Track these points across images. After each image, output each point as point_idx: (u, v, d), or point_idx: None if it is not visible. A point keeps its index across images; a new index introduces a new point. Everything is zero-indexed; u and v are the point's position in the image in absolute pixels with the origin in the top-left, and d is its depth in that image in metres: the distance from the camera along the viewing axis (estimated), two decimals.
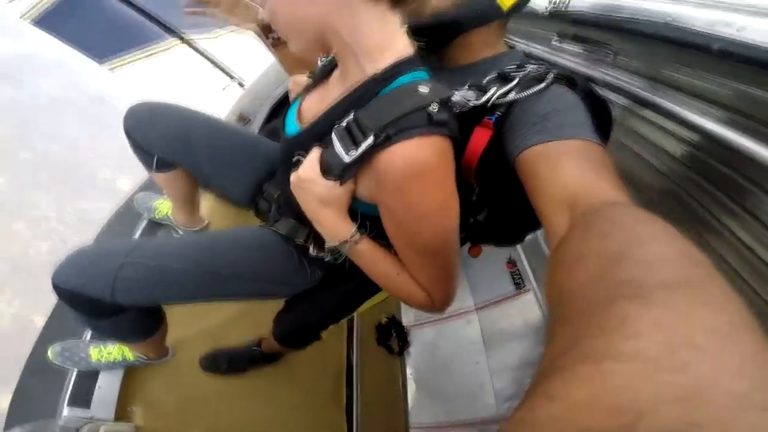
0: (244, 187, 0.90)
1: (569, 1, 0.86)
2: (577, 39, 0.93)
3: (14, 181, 1.68)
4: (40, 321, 1.07)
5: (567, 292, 0.28)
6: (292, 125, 0.70)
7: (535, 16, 0.98)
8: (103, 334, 0.84)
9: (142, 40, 2.86)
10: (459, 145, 0.57)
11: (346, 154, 0.54)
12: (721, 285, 0.23)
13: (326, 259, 0.73)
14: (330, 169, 0.56)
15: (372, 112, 0.53)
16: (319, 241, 0.73)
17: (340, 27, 0.54)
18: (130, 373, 1.10)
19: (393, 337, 1.66)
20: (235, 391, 1.27)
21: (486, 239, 0.89)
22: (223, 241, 0.80)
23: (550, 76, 0.57)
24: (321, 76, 0.71)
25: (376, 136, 0.51)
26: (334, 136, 0.56)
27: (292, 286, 0.83)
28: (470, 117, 0.58)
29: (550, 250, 0.40)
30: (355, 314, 1.62)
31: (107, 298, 0.70)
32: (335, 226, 0.62)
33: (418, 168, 0.51)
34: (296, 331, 0.97)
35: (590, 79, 0.88)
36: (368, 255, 0.64)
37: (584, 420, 0.16)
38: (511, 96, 0.56)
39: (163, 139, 0.93)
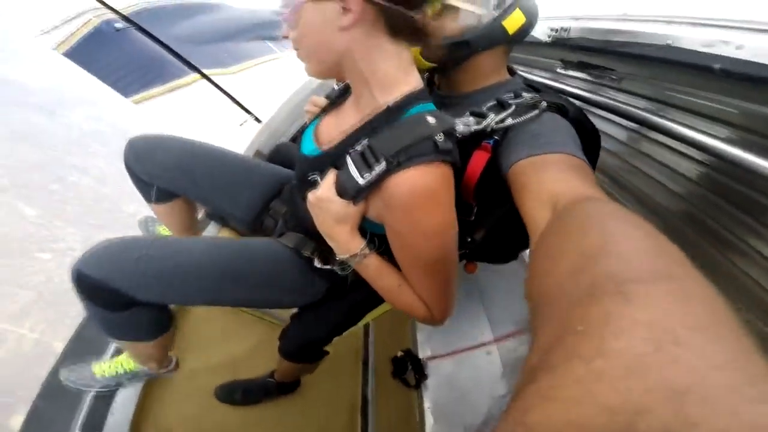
0: (248, 209, 0.94)
1: (570, 29, 0.88)
2: (581, 66, 0.96)
3: (44, 212, 1.77)
4: (60, 347, 1.10)
5: (548, 287, 0.29)
6: (310, 145, 0.75)
7: (537, 44, 1.01)
8: (114, 330, 0.83)
9: (164, 74, 3.06)
10: (459, 169, 0.63)
11: (361, 177, 0.59)
12: (697, 278, 0.24)
13: (334, 268, 0.77)
14: (345, 190, 0.62)
15: (384, 139, 0.58)
16: (323, 254, 0.79)
17: (360, 59, 0.60)
18: (144, 401, 1.10)
19: (409, 369, 1.62)
20: (249, 422, 1.25)
21: (481, 257, 0.95)
22: (237, 247, 0.83)
23: (543, 104, 0.64)
24: (336, 100, 0.78)
25: (388, 162, 0.56)
26: (349, 160, 0.61)
27: (299, 295, 0.87)
28: (470, 140, 0.64)
29: (532, 245, 0.41)
30: (371, 348, 1.61)
31: (126, 290, 0.72)
32: (347, 242, 0.67)
33: (423, 192, 0.57)
34: (302, 344, 0.99)
35: (594, 104, 0.90)
36: (374, 268, 0.69)
37: (581, 420, 0.16)
38: (508, 122, 0.63)
39: (164, 169, 0.95)
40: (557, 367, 0.19)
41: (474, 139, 0.65)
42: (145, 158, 0.96)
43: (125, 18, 3.16)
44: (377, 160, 0.57)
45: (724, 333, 0.19)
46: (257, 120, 2.84)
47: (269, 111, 2.20)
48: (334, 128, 0.72)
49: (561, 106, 0.67)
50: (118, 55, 3.02)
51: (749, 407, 0.14)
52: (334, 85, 0.81)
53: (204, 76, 3.06)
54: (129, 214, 1.70)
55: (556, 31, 0.92)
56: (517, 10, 0.68)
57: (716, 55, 0.60)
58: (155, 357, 1.05)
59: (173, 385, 1.19)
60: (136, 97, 2.80)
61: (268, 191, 0.94)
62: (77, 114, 2.48)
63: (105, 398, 1.04)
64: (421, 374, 1.61)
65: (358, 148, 0.61)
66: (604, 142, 1.06)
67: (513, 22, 0.68)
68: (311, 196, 0.66)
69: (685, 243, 0.82)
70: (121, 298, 0.73)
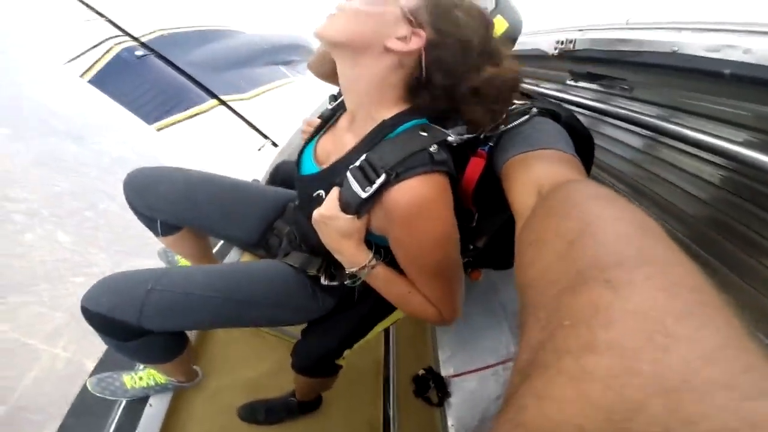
0: (252, 231, 0.97)
1: (576, 41, 0.89)
2: (590, 77, 0.96)
3: (78, 239, 1.86)
4: (91, 365, 1.14)
5: (533, 276, 0.28)
6: (310, 164, 0.78)
7: (545, 58, 1.02)
8: (132, 356, 0.88)
9: (184, 101, 3.15)
10: (456, 177, 0.65)
11: (363, 190, 0.62)
12: (681, 260, 0.23)
13: (346, 282, 0.77)
14: (348, 205, 0.64)
15: (382, 154, 0.62)
16: (329, 271, 0.82)
17: (373, 80, 0.64)
18: (169, 420, 1.12)
19: (431, 388, 1.59)
20: None
21: (485, 264, 0.96)
22: (243, 271, 0.86)
23: (534, 110, 0.67)
24: (329, 119, 0.82)
25: (387, 174, 0.60)
26: (349, 176, 0.64)
27: (306, 312, 0.89)
28: (466, 147, 0.68)
29: (517, 231, 0.41)
30: (392, 367, 1.60)
31: (134, 322, 0.75)
32: (355, 256, 0.69)
33: (421, 202, 0.60)
34: (313, 358, 0.99)
35: (607, 114, 0.90)
36: (383, 278, 0.71)
37: (577, 420, 0.16)
38: (501, 128, 0.65)
39: (166, 201, 0.97)
40: (550, 366, 0.19)
41: (470, 146, 0.68)
42: (145, 193, 0.97)
43: (144, 45, 3.31)
44: (377, 174, 0.60)
45: (712, 318, 0.18)
46: (274, 144, 2.91)
47: (285, 135, 2.27)
48: (332, 146, 0.76)
49: (552, 111, 0.69)
50: (140, 83, 3.12)
51: (745, 403, 0.14)
52: (328, 105, 0.84)
53: (222, 102, 3.18)
54: (156, 241, 1.78)
55: (562, 43, 0.93)
56: (498, 16, 0.71)
57: (724, 60, 0.59)
58: (180, 373, 1.09)
59: (197, 404, 1.22)
60: (159, 124, 2.86)
61: (270, 212, 0.97)
62: (105, 140, 2.59)
63: (131, 416, 1.07)
64: (444, 392, 1.58)
65: (358, 163, 0.63)
66: (622, 151, 1.06)
67: (495, 29, 0.70)
68: (316, 213, 0.69)
69: (713, 248, 0.80)
70: (132, 329, 0.76)
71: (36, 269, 1.65)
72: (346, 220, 0.65)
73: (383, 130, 0.65)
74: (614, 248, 0.24)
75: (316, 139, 0.82)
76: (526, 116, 0.66)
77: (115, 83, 3.00)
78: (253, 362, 1.40)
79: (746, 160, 0.60)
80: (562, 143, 0.59)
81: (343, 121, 0.77)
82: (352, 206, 0.64)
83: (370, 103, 0.66)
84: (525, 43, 1.14)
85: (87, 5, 3.50)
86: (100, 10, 3.49)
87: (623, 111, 0.86)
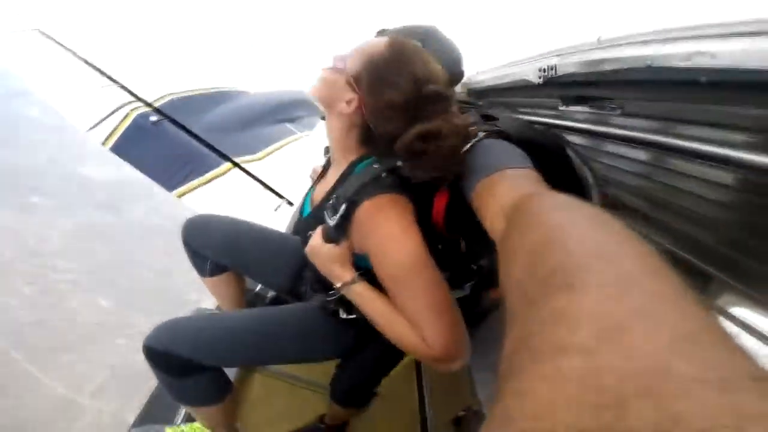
0: (285, 278, 1.10)
1: (556, 66, 0.91)
2: (579, 101, 0.95)
3: (117, 303, 2.00)
4: (132, 418, 1.23)
5: (508, 289, 0.30)
6: (307, 207, 0.92)
7: (532, 87, 1.05)
8: (181, 395, 0.96)
9: (202, 166, 3.19)
10: (425, 201, 0.77)
11: (331, 220, 0.78)
12: (633, 249, 0.24)
13: (352, 316, 0.88)
14: (328, 235, 0.79)
15: (346, 188, 0.77)
16: (346, 305, 0.89)
17: (341, 128, 0.81)
18: None
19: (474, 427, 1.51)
20: None
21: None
22: (276, 313, 1.00)
23: (480, 134, 0.74)
24: (326, 166, 0.96)
25: (347, 202, 0.75)
26: (325, 212, 0.80)
27: (333, 345, 0.98)
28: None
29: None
30: (428, 411, 1.54)
31: (188, 355, 0.86)
32: (340, 275, 0.80)
33: (377, 213, 0.73)
34: (352, 389, 1.10)
35: (602, 134, 0.91)
36: (366, 295, 0.79)
37: (567, 417, 0.15)
38: None
39: (216, 244, 1.13)
40: (525, 369, 0.19)
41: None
42: (199, 233, 1.14)
43: (157, 110, 3.40)
44: (341, 204, 0.75)
45: (668, 310, 0.19)
46: (289, 203, 3.00)
47: (300, 192, 2.35)
48: (321, 190, 0.89)
49: (500, 131, 0.75)
50: (157, 149, 3.16)
51: (727, 396, 0.14)
52: (324, 155, 1.00)
53: (236, 165, 3.29)
54: (193, 301, 1.88)
55: (544, 71, 0.95)
56: None
57: (697, 68, 0.60)
58: (222, 423, 1.13)
59: None
60: (178, 191, 2.92)
61: (299, 260, 1.06)
62: (138, 208, 2.74)
63: None
64: None
65: (330, 201, 0.79)
66: (630, 167, 1.04)
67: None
68: (307, 248, 0.83)
69: (739, 249, 0.77)
70: (184, 363, 0.87)
71: (80, 331, 1.81)
72: (329, 248, 0.79)
73: (350, 169, 0.81)
74: (577, 252, 0.25)
75: (314, 185, 0.96)
76: (475, 139, 0.72)
77: (135, 150, 3.08)
78: (289, 417, 1.41)
79: (744, 161, 0.61)
80: (516, 160, 0.64)
81: (332, 166, 0.91)
82: (330, 235, 0.78)
83: (342, 149, 0.83)
84: (512, 74, 1.19)
85: (100, 71, 3.67)
86: (113, 76, 3.64)
87: (618, 131, 0.86)
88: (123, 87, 3.56)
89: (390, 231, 0.72)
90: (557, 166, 0.66)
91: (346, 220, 0.76)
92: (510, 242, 0.36)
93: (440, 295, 0.70)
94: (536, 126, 0.81)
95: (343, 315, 0.91)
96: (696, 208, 0.86)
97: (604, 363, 0.16)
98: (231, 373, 1.46)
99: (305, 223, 0.91)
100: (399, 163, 0.75)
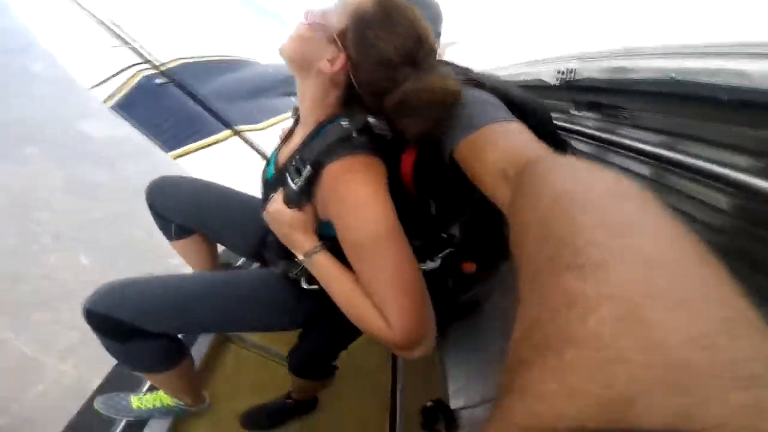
0: (250, 242, 1.05)
1: (575, 70, 0.90)
2: (592, 106, 0.96)
3: (98, 261, 1.93)
4: (94, 384, 1.19)
5: (520, 265, 0.27)
6: (271, 170, 0.86)
7: (548, 88, 1.04)
8: (124, 359, 0.91)
9: (202, 130, 3.20)
10: (386, 156, 0.71)
11: (294, 184, 0.72)
12: (658, 221, 0.22)
13: (314, 287, 0.82)
14: (289, 199, 0.73)
15: (311, 149, 0.71)
16: (308, 274, 0.84)
17: (317, 89, 0.73)
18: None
19: (440, 420, 1.53)
20: None
21: (472, 256, 0.92)
22: (233, 276, 0.93)
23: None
24: (293, 127, 0.90)
25: (312, 165, 0.69)
26: (287, 174, 0.74)
27: (292, 315, 0.92)
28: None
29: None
30: (398, 398, 1.55)
31: (129, 320, 0.80)
32: (302, 244, 0.74)
33: (343, 175, 0.67)
34: (308, 360, 1.06)
35: (610, 143, 0.89)
36: (327, 267, 0.73)
37: (570, 414, 0.14)
38: None
39: (180, 203, 1.09)
40: (531, 362, 0.18)
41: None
42: (163, 196, 1.10)
43: (164, 74, 3.40)
44: (305, 167, 0.70)
45: (697, 295, 0.17)
46: None
47: None
48: (287, 152, 0.83)
49: (475, 80, 0.69)
50: (159, 110, 3.17)
51: (744, 393, 0.13)
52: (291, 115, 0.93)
53: (237, 132, 3.26)
54: (174, 265, 1.82)
55: (563, 73, 0.94)
56: None
57: (723, 86, 0.59)
58: (184, 390, 1.11)
59: (199, 429, 1.21)
60: (175, 152, 2.90)
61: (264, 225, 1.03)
62: (133, 168, 2.69)
63: (134, 429, 1.07)
64: (452, 425, 1.52)
65: (294, 163, 0.73)
66: (634, 180, 1.02)
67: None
68: (264, 213, 0.78)
69: (735, 276, 0.76)
70: (127, 328, 0.81)
71: (56, 290, 1.72)
72: (290, 213, 0.73)
73: (318, 129, 0.74)
74: (584, 225, 0.23)
75: (279, 147, 0.90)
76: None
77: (136, 110, 3.08)
78: (259, 390, 1.40)
79: (749, 186, 0.60)
80: (501, 113, 0.59)
81: (298, 126, 0.85)
82: (291, 199, 0.73)
83: (315, 110, 0.76)
84: (527, 73, 1.17)
85: (113, 31, 3.66)
86: (125, 37, 3.63)
87: (626, 141, 0.85)
88: (133, 49, 3.53)
89: (358, 195, 0.66)
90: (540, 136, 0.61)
91: (311, 183, 0.70)
92: (519, 213, 0.33)
93: (409, 271, 0.64)
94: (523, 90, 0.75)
95: (305, 285, 0.86)
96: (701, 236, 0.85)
97: (616, 355, 0.15)
98: (205, 342, 1.45)
99: (268, 186, 0.84)
100: (371, 120, 0.70)
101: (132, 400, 1.14)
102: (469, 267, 0.92)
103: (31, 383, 1.35)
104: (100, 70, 3.26)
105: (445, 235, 0.87)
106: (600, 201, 0.25)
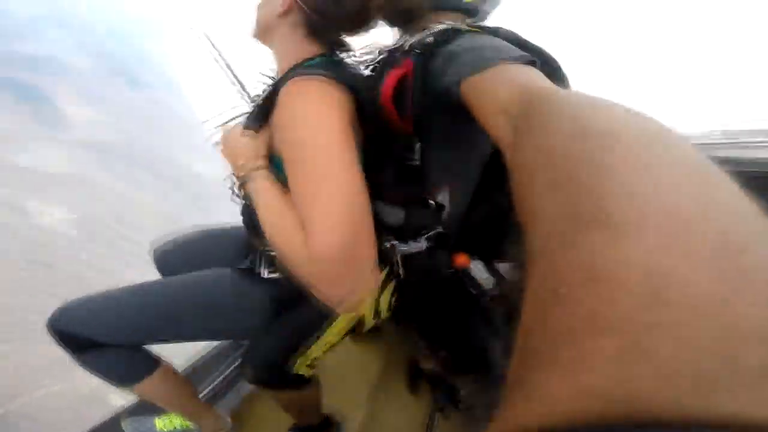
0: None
1: None
2: None
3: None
4: (114, 398, 1.16)
5: (527, 210, 0.22)
6: None
7: None
8: (94, 370, 0.88)
9: None
10: (350, 87, 0.67)
11: (252, 104, 0.76)
12: (701, 170, 0.17)
13: (274, 275, 0.82)
14: (247, 125, 0.72)
15: (278, 82, 0.70)
16: (269, 260, 0.83)
17: (283, 43, 0.75)
18: None
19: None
20: None
21: (467, 248, 0.82)
22: (179, 283, 0.90)
23: (464, 27, 0.66)
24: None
25: (273, 86, 0.71)
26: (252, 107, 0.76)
27: (246, 321, 0.88)
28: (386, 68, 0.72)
29: (506, 159, 0.36)
30: None
31: (81, 333, 0.82)
32: (246, 162, 0.71)
33: (297, 90, 0.64)
34: (259, 365, 0.95)
35: None
36: (265, 187, 0.69)
37: (571, 408, 0.13)
38: (429, 39, 0.66)
39: (184, 263, 1.03)
40: (541, 355, 0.15)
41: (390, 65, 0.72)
42: (169, 263, 1.08)
43: None
44: (266, 91, 0.73)
45: (752, 268, 0.13)
46: None
47: None
48: None
49: (484, 27, 0.66)
50: None
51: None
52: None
53: None
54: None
55: None
56: None
57: None
58: (189, 411, 1.08)
59: None
60: None
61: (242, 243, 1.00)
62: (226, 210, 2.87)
63: None
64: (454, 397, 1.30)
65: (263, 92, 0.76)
66: None
67: None
68: (220, 135, 0.78)
69: None
70: (83, 340, 0.82)
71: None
72: (243, 132, 0.71)
73: (290, 73, 0.70)
74: (612, 170, 0.18)
75: None
76: (460, 31, 0.65)
77: None
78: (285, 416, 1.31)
79: None
80: (515, 52, 0.54)
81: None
82: (248, 122, 0.72)
83: (290, 60, 0.73)
84: None
85: (233, 75, 4.08)
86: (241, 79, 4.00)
87: None
88: (242, 89, 3.98)
89: (305, 109, 0.62)
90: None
91: (270, 103, 0.69)
92: (523, 155, 0.28)
93: (348, 193, 0.57)
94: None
95: (265, 274, 0.83)
96: None
97: (646, 347, 0.12)
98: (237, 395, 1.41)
99: None
100: (343, 56, 0.73)
101: (156, 422, 1.13)
102: (462, 261, 0.81)
103: (44, 387, 1.36)
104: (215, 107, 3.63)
105: (432, 202, 0.76)
106: (636, 141, 0.20)
